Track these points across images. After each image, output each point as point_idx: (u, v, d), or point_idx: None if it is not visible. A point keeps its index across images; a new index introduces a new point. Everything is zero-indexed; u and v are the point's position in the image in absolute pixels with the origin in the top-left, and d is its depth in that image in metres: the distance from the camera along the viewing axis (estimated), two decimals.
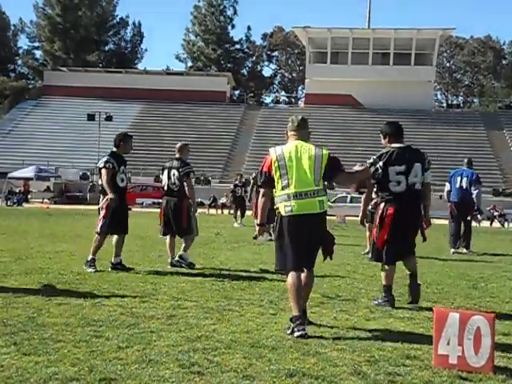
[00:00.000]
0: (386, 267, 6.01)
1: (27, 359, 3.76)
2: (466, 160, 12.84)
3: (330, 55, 56.37)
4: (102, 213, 7.91)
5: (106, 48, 75.43)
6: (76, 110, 52.88)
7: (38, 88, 66.19)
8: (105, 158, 8.03)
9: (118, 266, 7.90)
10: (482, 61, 75.12)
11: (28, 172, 37.84)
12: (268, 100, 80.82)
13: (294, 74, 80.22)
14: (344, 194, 32.98)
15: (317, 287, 6.15)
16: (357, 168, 6.83)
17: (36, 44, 75.69)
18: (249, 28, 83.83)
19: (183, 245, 8.70)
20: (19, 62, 78.08)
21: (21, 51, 77.43)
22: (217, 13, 72.94)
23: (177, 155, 8.78)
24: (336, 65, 55.85)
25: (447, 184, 12.66)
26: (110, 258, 8.01)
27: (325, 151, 4.97)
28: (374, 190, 6.22)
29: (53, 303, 5.48)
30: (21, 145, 49.36)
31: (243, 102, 63.96)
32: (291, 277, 4.82)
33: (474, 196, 12.18)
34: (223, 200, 34.44)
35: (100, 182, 8.05)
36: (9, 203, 34.25)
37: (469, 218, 12.64)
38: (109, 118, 46.02)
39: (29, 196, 38.28)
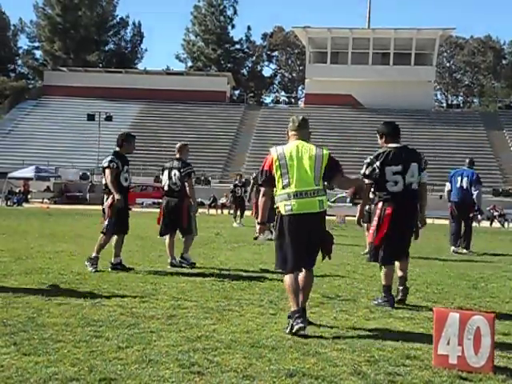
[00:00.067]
0: (384, 267, 6.02)
1: (27, 359, 3.76)
2: (467, 160, 12.84)
3: (330, 55, 56.38)
4: (108, 213, 7.90)
5: (106, 48, 75.45)
6: (76, 109, 52.90)
7: (37, 88, 66.19)
8: (109, 158, 8.01)
9: (118, 266, 7.90)
10: (482, 61, 75.12)
11: (28, 172, 37.83)
12: (268, 100, 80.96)
13: (294, 74, 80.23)
14: (344, 194, 32.98)
15: (317, 287, 6.16)
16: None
17: (36, 44, 75.79)
18: (249, 28, 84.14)
19: (184, 245, 8.75)
20: (19, 62, 78.13)
21: (21, 51, 77.51)
22: (217, 13, 72.95)
23: (177, 155, 8.81)
24: (336, 65, 55.86)
25: (447, 184, 12.67)
26: (110, 258, 8.01)
27: (325, 151, 5.01)
28: (372, 190, 6.23)
29: (53, 303, 5.48)
30: (21, 145, 49.36)
31: (243, 101, 63.96)
32: (289, 277, 4.90)
33: (474, 196, 12.19)
34: (223, 200, 34.44)
35: (104, 182, 8.05)
36: (9, 203, 34.24)
37: (471, 215, 12.66)
38: (109, 118, 46.06)
39: (29, 196, 38.26)
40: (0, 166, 43.01)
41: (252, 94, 76.81)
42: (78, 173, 43.60)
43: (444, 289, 7.20)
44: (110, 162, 7.91)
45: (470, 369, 3.79)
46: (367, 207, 8.13)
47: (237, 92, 75.07)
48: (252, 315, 5.29)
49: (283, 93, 77.11)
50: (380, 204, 6.02)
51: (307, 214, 4.87)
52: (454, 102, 78.49)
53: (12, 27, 75.71)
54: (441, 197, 31.33)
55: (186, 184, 8.54)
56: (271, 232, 11.28)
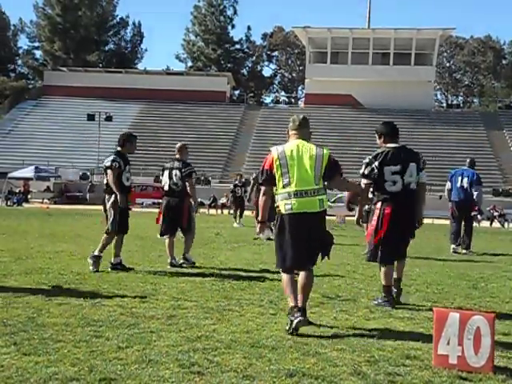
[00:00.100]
0: (384, 267, 6.03)
1: (27, 359, 3.76)
2: (468, 160, 12.83)
3: (330, 55, 56.38)
4: (112, 212, 7.90)
5: (106, 48, 75.46)
6: (76, 109, 52.90)
7: (38, 88, 66.18)
8: (111, 157, 8.00)
9: (118, 266, 7.90)
10: (482, 61, 75.12)
11: (28, 172, 37.82)
12: (268, 100, 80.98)
13: (294, 74, 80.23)
14: (344, 194, 32.99)
15: (317, 287, 6.16)
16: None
17: (36, 44, 75.79)
18: (249, 28, 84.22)
19: (184, 246, 8.79)
20: (19, 62, 78.13)
21: (21, 51, 77.51)
22: (217, 13, 72.95)
23: (177, 156, 8.85)
24: (336, 65, 55.85)
25: (448, 183, 12.66)
26: (110, 258, 8.01)
27: (325, 151, 5.04)
28: (371, 190, 6.23)
29: (53, 303, 5.48)
30: (21, 145, 49.36)
31: (243, 101, 63.97)
32: (286, 275, 4.96)
33: (474, 196, 12.20)
34: (223, 200, 34.44)
35: (105, 181, 8.05)
36: (9, 203, 34.23)
37: (473, 214, 12.66)
38: (109, 118, 46.09)
39: (29, 196, 38.27)
40: (0, 165, 43.01)
41: (252, 94, 76.83)
42: (77, 173, 43.61)
43: (444, 289, 7.20)
44: (113, 161, 7.90)
45: (470, 369, 3.79)
46: (366, 207, 8.14)
47: (237, 92, 75.09)
48: (252, 315, 5.29)
49: (283, 93, 77.17)
50: (379, 204, 6.03)
51: (307, 214, 4.89)
52: (454, 102, 78.55)
53: (12, 27, 75.75)
54: (440, 197, 31.30)
55: (187, 184, 8.57)
56: (271, 230, 11.31)
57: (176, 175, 8.58)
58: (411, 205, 6.08)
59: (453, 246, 12.17)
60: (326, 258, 5.15)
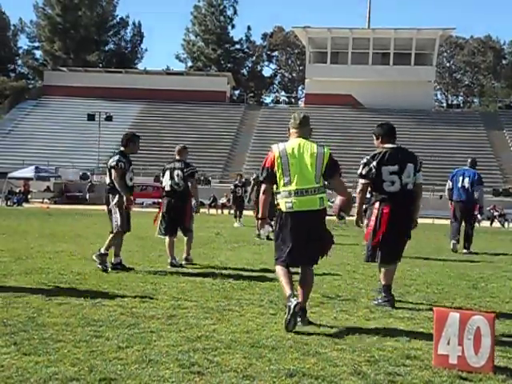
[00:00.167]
0: (383, 267, 6.03)
1: (27, 359, 3.76)
2: (469, 160, 12.82)
3: (330, 55, 56.38)
4: (117, 211, 7.89)
5: (106, 48, 75.47)
6: (76, 109, 52.89)
7: (38, 88, 66.20)
8: (116, 157, 7.98)
9: (118, 266, 7.90)
10: (482, 61, 75.12)
11: (28, 172, 37.83)
12: (268, 100, 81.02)
13: (294, 74, 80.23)
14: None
15: (317, 287, 6.16)
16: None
17: (36, 44, 75.80)
18: (249, 28, 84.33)
19: (186, 247, 8.84)
20: (19, 62, 78.14)
21: (21, 51, 77.52)
22: (217, 13, 72.95)
23: (177, 157, 8.90)
24: (336, 65, 55.85)
25: (449, 182, 12.66)
26: (110, 258, 8.00)
27: (326, 150, 5.08)
28: (369, 190, 6.24)
29: (53, 303, 5.48)
30: (21, 145, 49.36)
31: (243, 102, 64.00)
32: (280, 267, 5.02)
33: (476, 196, 12.20)
34: (223, 200, 34.44)
35: (108, 181, 8.04)
36: (9, 203, 34.22)
37: (475, 212, 12.67)
38: (109, 118, 46.09)
39: (29, 196, 38.26)
40: (0, 165, 43.00)
41: (252, 94, 76.84)
42: (78, 173, 43.60)
43: (444, 289, 7.20)
44: (118, 161, 7.90)
45: (470, 369, 3.79)
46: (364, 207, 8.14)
47: (237, 92, 75.11)
48: (252, 315, 5.29)
49: (283, 93, 77.16)
50: (377, 204, 6.04)
51: (307, 212, 4.94)
52: (454, 102, 78.57)
53: (12, 27, 75.76)
54: (441, 197, 31.35)
55: (190, 184, 8.61)
56: (271, 226, 11.36)
57: (178, 175, 8.61)
58: (409, 205, 6.11)
59: (453, 241, 12.17)
60: (326, 256, 5.17)
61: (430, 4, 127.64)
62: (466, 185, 12.21)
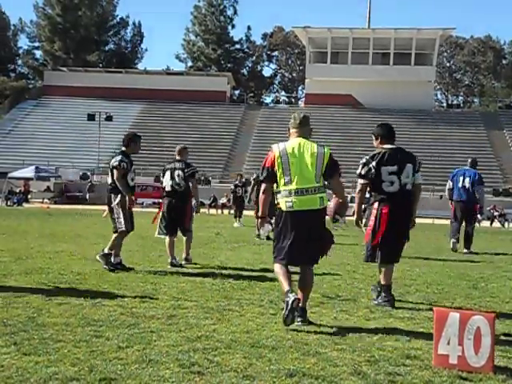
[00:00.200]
0: (383, 267, 6.04)
1: (27, 359, 3.76)
2: (470, 160, 12.82)
3: (330, 55, 56.39)
4: (119, 211, 7.89)
5: (106, 48, 75.49)
6: (76, 109, 52.91)
7: (38, 88, 66.21)
8: (119, 158, 7.98)
9: (118, 266, 7.90)
10: (482, 61, 75.12)
11: (28, 172, 37.83)
12: (268, 100, 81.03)
13: (294, 74, 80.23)
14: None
15: (317, 287, 6.16)
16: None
17: (36, 44, 75.82)
18: (249, 28, 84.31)
19: (185, 247, 8.84)
20: (19, 62, 78.16)
21: (21, 51, 77.53)
22: (217, 13, 72.96)
23: (177, 157, 8.90)
24: (336, 65, 55.87)
25: (449, 182, 12.66)
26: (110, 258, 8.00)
27: (326, 150, 5.10)
28: (368, 190, 6.25)
29: (53, 303, 5.48)
30: (21, 145, 49.37)
31: (243, 101, 64.02)
32: (278, 265, 5.04)
33: (476, 196, 12.21)
34: (223, 200, 34.44)
35: (110, 181, 8.04)
36: (9, 203, 34.23)
37: (477, 212, 12.67)
38: (109, 118, 46.10)
39: (29, 196, 38.26)
40: (0, 165, 43.01)
41: (252, 94, 76.85)
42: (78, 173, 43.61)
43: (444, 289, 7.20)
44: (121, 161, 7.90)
45: (470, 369, 3.79)
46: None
47: (237, 92, 75.11)
48: (252, 315, 5.29)
49: (283, 93, 77.21)
50: (376, 204, 6.05)
51: (308, 211, 4.95)
52: (454, 102, 78.60)
53: (12, 27, 75.77)
54: (441, 197, 31.36)
55: (190, 184, 8.62)
56: (271, 224, 11.37)
57: (179, 175, 8.62)
58: (408, 205, 6.12)
59: (452, 240, 12.17)
60: (326, 256, 5.18)
61: (429, 4, 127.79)
62: (467, 185, 12.20)
